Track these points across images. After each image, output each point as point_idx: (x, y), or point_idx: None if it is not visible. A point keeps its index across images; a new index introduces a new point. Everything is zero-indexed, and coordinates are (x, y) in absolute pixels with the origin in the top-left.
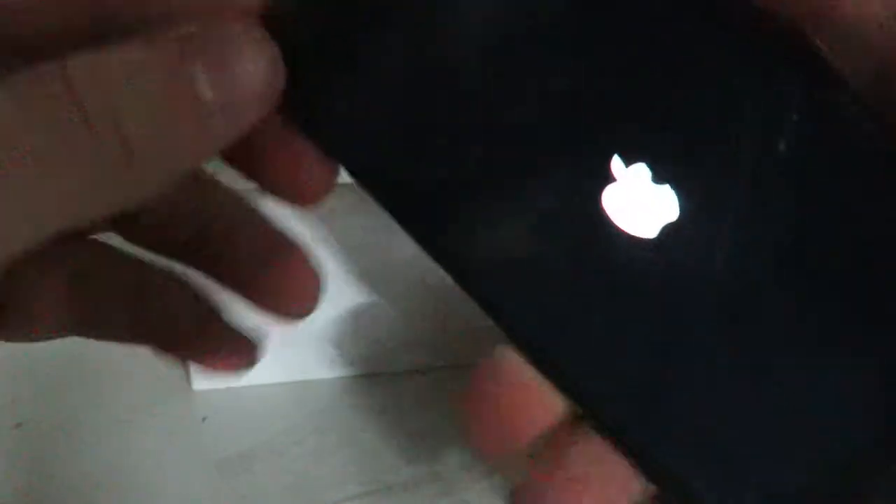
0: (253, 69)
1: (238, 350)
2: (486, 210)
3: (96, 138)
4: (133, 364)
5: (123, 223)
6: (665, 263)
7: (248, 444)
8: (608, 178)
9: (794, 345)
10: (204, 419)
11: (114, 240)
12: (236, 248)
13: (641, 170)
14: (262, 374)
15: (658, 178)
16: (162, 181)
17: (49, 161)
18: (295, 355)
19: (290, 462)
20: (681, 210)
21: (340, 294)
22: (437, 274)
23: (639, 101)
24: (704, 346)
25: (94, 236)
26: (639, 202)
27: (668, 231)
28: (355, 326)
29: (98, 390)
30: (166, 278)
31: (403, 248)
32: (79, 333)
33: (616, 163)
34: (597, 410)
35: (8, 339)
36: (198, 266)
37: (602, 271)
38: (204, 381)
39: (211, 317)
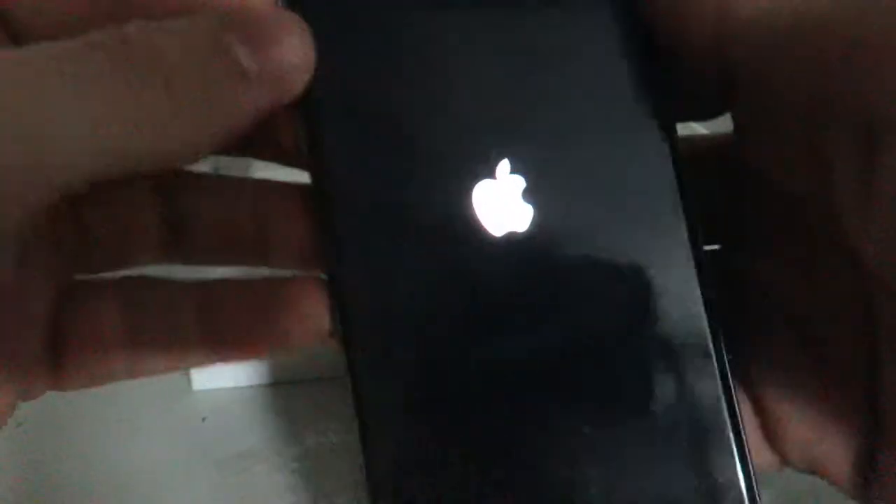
0: (287, 46)
1: None
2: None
3: (148, 91)
4: None
5: (179, 242)
6: (487, 260)
7: (248, 444)
8: (492, 175)
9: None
10: (204, 419)
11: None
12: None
13: (519, 181)
14: (263, 374)
15: (527, 195)
16: (202, 140)
17: (104, 108)
18: (295, 356)
19: (290, 462)
20: (527, 228)
21: None
22: None
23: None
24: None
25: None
26: (503, 204)
27: (507, 238)
28: None
29: (98, 390)
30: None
31: None
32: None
33: (503, 165)
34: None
35: (70, 384)
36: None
37: (432, 235)
38: (204, 381)
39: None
